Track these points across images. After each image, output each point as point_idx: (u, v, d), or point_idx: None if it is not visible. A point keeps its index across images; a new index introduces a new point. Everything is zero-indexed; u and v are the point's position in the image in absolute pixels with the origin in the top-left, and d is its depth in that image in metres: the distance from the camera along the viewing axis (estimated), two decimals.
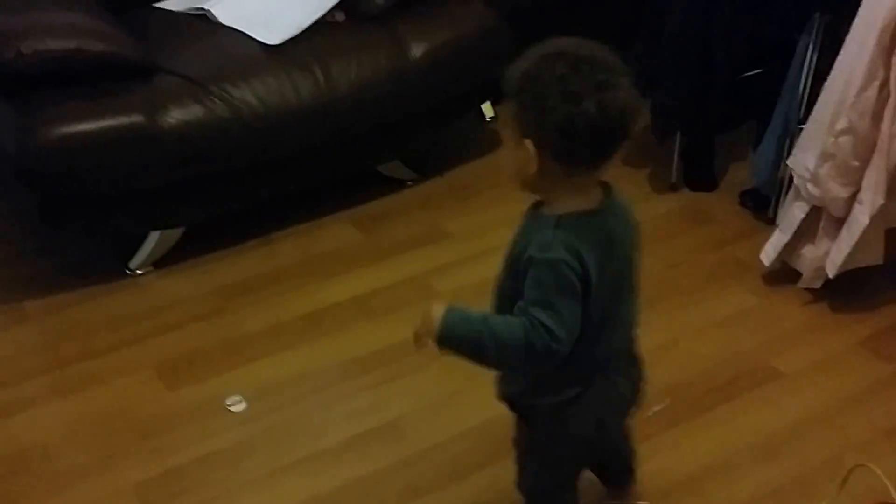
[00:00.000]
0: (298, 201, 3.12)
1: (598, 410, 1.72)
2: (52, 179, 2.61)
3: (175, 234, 2.89)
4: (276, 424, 2.34)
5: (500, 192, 3.13)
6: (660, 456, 2.21)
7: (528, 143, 1.50)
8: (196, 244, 2.93)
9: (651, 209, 3.13)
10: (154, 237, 2.85)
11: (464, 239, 2.97)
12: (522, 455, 1.89)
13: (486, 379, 2.28)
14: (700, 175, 3.25)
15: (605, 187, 1.61)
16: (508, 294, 1.61)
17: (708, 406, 2.36)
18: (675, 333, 2.60)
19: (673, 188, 3.24)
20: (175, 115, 2.67)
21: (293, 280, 2.84)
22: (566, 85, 1.44)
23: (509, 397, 1.79)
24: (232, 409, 2.39)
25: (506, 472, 2.03)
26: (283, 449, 2.26)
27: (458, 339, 1.56)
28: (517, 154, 1.53)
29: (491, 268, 2.76)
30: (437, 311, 1.56)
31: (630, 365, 1.79)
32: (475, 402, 2.24)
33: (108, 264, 2.89)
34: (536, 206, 1.64)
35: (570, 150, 1.48)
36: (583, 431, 1.74)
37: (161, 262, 2.90)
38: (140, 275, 2.87)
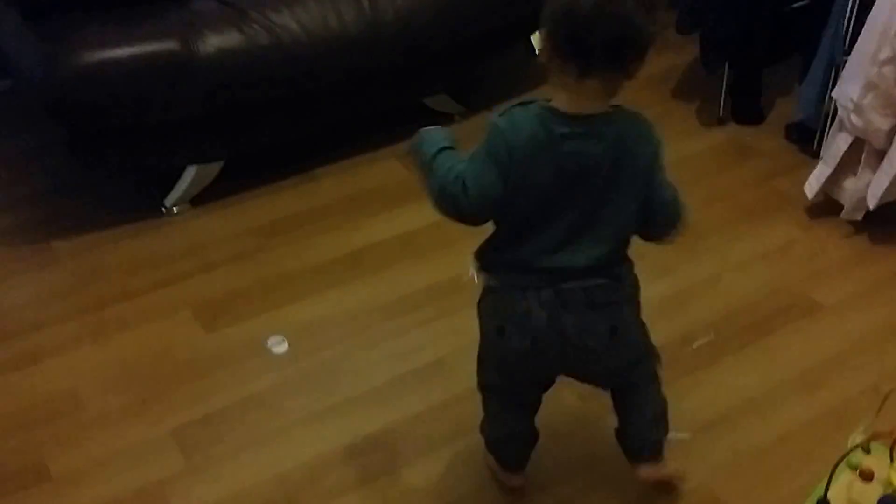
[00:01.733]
0: (341, 136, 3.07)
1: (498, 313, 1.73)
2: (81, 111, 2.53)
3: (212, 169, 2.84)
4: (319, 365, 2.32)
5: None
6: (701, 389, 2.22)
7: (543, 31, 1.54)
8: (234, 180, 2.89)
9: (698, 143, 3.13)
10: (190, 173, 2.80)
11: None
12: None
13: None
14: (747, 109, 3.23)
15: (615, 108, 1.61)
16: None
17: (750, 339, 2.37)
18: (719, 267, 2.60)
19: (720, 122, 3.23)
20: (212, 42, 2.60)
21: (335, 218, 2.81)
22: None
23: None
24: (273, 349, 2.37)
25: (554, 411, 2.04)
26: (326, 390, 2.24)
27: (418, 152, 1.71)
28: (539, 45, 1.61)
29: None
30: (429, 128, 1.72)
31: (562, 304, 1.67)
32: None
33: (142, 202, 2.86)
34: None
35: (555, 41, 1.52)
36: (486, 327, 1.77)
37: (197, 200, 2.86)
38: (175, 213, 2.84)
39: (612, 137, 1.59)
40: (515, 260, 1.68)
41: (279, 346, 2.38)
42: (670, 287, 2.51)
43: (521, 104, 1.62)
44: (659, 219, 1.72)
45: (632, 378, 1.84)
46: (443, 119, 3.19)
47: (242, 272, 2.61)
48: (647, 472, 1.90)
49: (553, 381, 1.89)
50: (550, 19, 1.52)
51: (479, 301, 1.79)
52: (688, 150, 3.07)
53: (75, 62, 2.46)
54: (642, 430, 1.89)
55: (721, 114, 3.22)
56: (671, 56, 3.53)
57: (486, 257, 1.74)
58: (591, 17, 1.46)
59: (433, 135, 1.72)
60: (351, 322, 2.43)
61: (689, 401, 2.16)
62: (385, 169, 3.00)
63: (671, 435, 2.00)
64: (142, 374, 2.31)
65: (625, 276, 1.74)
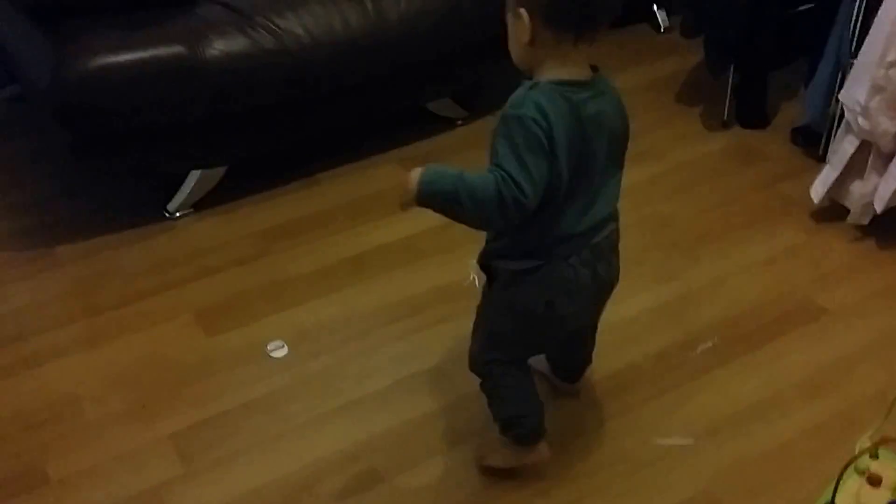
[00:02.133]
0: (344, 140, 3.07)
1: (549, 289, 1.75)
2: (87, 115, 2.52)
3: (216, 174, 2.83)
4: (319, 370, 2.30)
5: None
6: (706, 394, 2.21)
7: (523, 10, 1.57)
8: (237, 185, 2.89)
9: (702, 147, 3.12)
10: (194, 177, 2.80)
11: None
12: (474, 326, 1.92)
13: None
14: (752, 112, 3.22)
15: (595, 71, 1.67)
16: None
17: (754, 344, 2.35)
18: (724, 271, 2.59)
19: (725, 125, 3.22)
20: (218, 46, 2.59)
21: (337, 222, 2.80)
22: None
23: (483, 258, 1.83)
24: (273, 354, 2.36)
25: (555, 416, 2.06)
26: (326, 395, 2.23)
27: (435, 193, 1.62)
28: (513, 28, 1.63)
29: None
30: (416, 171, 1.63)
31: (596, 257, 1.77)
32: None
33: (145, 207, 2.85)
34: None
35: (558, 10, 1.56)
36: (531, 306, 1.77)
37: (201, 204, 2.86)
38: (178, 217, 2.83)
39: (608, 94, 1.68)
40: (557, 234, 1.70)
41: (279, 350, 2.37)
42: (674, 291, 2.50)
43: (531, 87, 1.61)
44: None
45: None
46: (445, 123, 3.20)
47: (244, 277, 2.61)
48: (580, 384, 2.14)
49: None
50: None
51: (507, 287, 1.79)
52: (693, 153, 3.07)
53: (83, 67, 2.46)
54: (589, 354, 2.09)
55: (726, 117, 3.21)
56: (676, 59, 3.53)
57: (524, 244, 1.72)
58: None
59: (434, 170, 1.64)
60: (351, 326, 2.42)
61: (692, 406, 2.17)
62: (387, 173, 2.99)
63: (674, 440, 2.03)
64: (142, 379, 2.30)
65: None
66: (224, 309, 2.50)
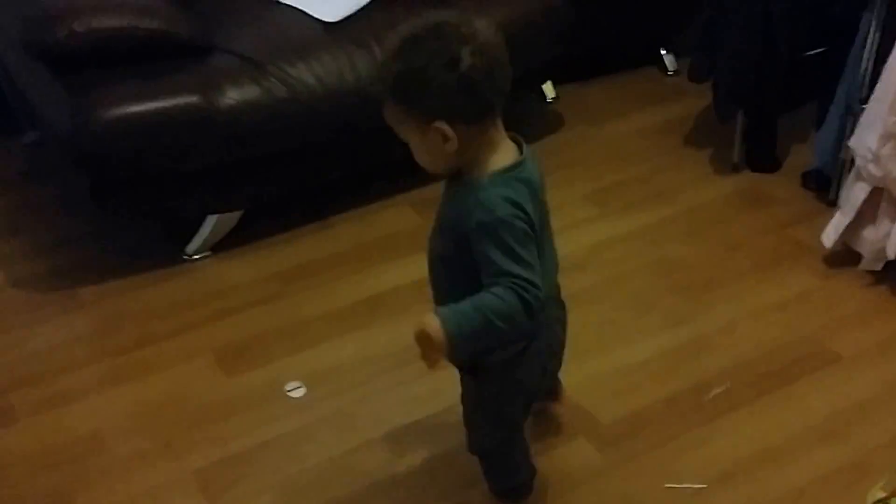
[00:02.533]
0: (356, 184, 3.09)
1: (542, 358, 1.83)
2: (106, 162, 2.58)
3: (232, 217, 2.87)
4: (335, 410, 2.33)
5: (560, 173, 3.09)
6: (718, 440, 2.21)
7: (440, 123, 1.55)
8: (253, 228, 2.92)
9: (712, 190, 3.11)
10: (211, 221, 2.84)
11: None
12: (473, 413, 1.91)
13: None
14: (762, 156, 3.21)
15: (515, 140, 1.68)
16: (458, 266, 1.66)
17: (767, 389, 2.34)
18: (735, 316, 2.58)
19: (735, 169, 3.20)
20: (231, 96, 2.64)
21: (351, 264, 2.82)
22: (439, 58, 1.51)
23: (462, 360, 1.81)
24: (291, 394, 2.38)
25: (565, 459, 2.11)
26: (343, 436, 2.25)
27: (468, 337, 1.55)
28: (429, 144, 1.59)
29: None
30: (431, 323, 1.54)
31: (558, 309, 1.90)
32: None
33: (165, 249, 2.88)
34: (454, 179, 1.68)
35: (479, 104, 1.56)
36: (530, 379, 1.82)
37: (218, 247, 2.89)
38: (197, 260, 2.87)
39: (532, 158, 1.69)
40: (545, 298, 1.70)
41: (297, 391, 2.39)
42: (685, 336, 2.50)
43: (486, 189, 1.59)
44: None
45: None
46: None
47: (261, 318, 2.63)
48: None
49: None
50: (458, 97, 1.54)
51: (505, 374, 1.79)
52: (702, 197, 3.07)
53: (101, 116, 2.51)
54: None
55: (736, 160, 3.19)
56: (685, 102, 3.53)
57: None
58: (491, 58, 1.54)
59: (450, 316, 1.56)
60: (368, 367, 2.44)
61: (704, 451, 2.17)
62: (399, 215, 3.02)
63: (686, 484, 2.04)
64: (165, 417, 2.33)
65: None
66: (242, 349, 2.52)
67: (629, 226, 2.94)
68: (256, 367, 2.47)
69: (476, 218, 1.57)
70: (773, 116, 3.20)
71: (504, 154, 1.64)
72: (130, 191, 2.69)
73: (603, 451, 2.17)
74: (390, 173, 3.09)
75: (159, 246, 2.91)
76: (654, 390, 2.34)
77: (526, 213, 1.58)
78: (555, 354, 1.90)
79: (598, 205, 3.04)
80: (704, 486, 2.08)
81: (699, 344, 2.49)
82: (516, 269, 1.55)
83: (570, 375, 2.32)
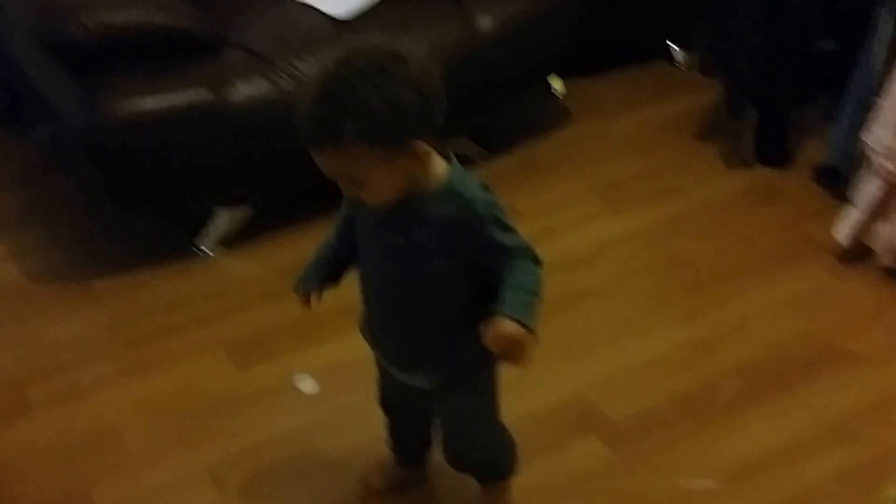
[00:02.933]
0: None
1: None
2: (118, 157, 2.59)
3: (244, 212, 2.88)
4: (347, 405, 2.33)
5: (568, 169, 3.10)
6: (731, 437, 2.21)
7: (418, 143, 1.53)
8: (265, 223, 2.92)
9: (723, 186, 3.09)
10: (222, 216, 2.85)
11: (533, 217, 2.89)
12: (468, 426, 1.88)
13: (553, 362, 2.35)
14: (774, 151, 3.19)
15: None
16: (431, 278, 1.65)
17: (780, 388, 2.33)
18: (747, 313, 2.57)
19: (746, 164, 3.19)
20: (242, 91, 2.65)
21: None
22: (377, 91, 1.47)
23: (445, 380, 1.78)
24: (303, 389, 2.39)
25: (575, 457, 2.11)
26: (355, 430, 2.24)
27: (536, 317, 1.58)
28: (399, 169, 1.55)
29: (560, 246, 2.80)
30: (510, 328, 1.54)
31: None
32: (543, 384, 2.27)
33: (177, 244, 2.88)
34: (400, 204, 1.61)
35: (440, 115, 1.55)
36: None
37: (230, 241, 2.89)
38: (209, 254, 2.87)
39: None
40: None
41: (309, 385, 2.40)
42: (695, 333, 2.50)
43: (460, 184, 1.63)
44: None
45: None
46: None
47: (273, 312, 2.63)
48: None
49: None
50: (427, 112, 1.54)
51: (478, 378, 1.80)
52: (713, 192, 3.05)
53: (114, 111, 2.53)
54: None
55: (747, 156, 3.18)
56: (694, 96, 3.51)
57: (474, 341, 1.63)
58: (428, 71, 1.56)
59: (518, 306, 1.58)
60: None
61: (715, 450, 2.17)
62: None
63: (698, 483, 2.04)
64: (178, 411, 2.34)
65: None
66: (254, 344, 2.53)
67: (639, 222, 2.93)
68: (268, 362, 2.47)
69: (473, 213, 1.59)
70: (784, 110, 3.18)
71: (440, 162, 1.64)
72: (143, 186, 2.70)
73: (615, 449, 2.16)
74: None
75: (173, 240, 2.91)
76: (667, 388, 2.33)
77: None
78: None
79: (607, 200, 3.02)
80: (717, 484, 2.08)
81: (712, 341, 2.48)
82: (521, 241, 1.61)
83: (581, 373, 2.36)
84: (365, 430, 2.23)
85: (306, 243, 2.82)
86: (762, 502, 2.05)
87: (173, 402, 2.37)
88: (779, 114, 3.19)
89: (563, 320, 2.51)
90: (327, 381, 2.40)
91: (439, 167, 1.62)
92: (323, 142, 1.52)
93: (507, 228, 1.61)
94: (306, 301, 1.85)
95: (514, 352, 1.56)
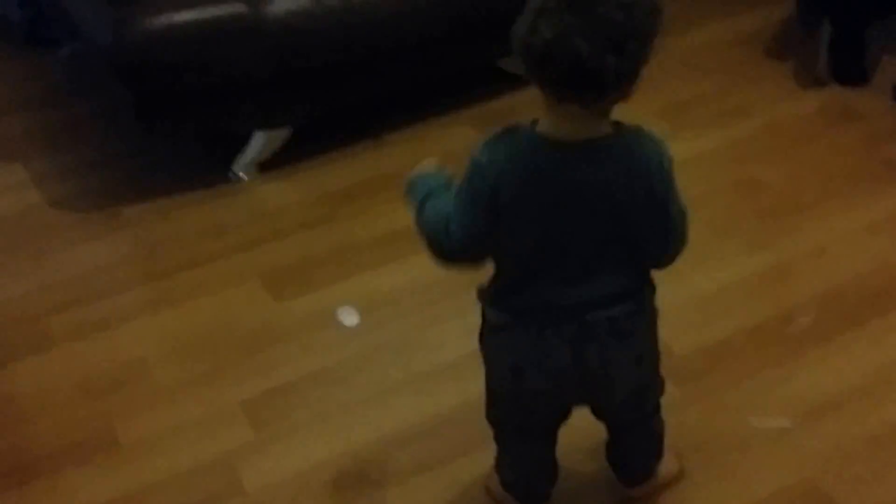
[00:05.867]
0: (412, 100, 2.99)
1: (515, 353, 1.60)
2: (148, 74, 2.52)
3: (281, 135, 2.80)
4: (388, 339, 2.25)
5: None
6: (806, 373, 2.12)
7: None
8: (303, 146, 2.84)
9: (796, 106, 2.99)
10: (259, 138, 2.77)
11: None
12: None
13: None
14: (850, 68, 3.07)
15: (616, 128, 1.46)
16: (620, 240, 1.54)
17: (857, 320, 2.24)
18: (823, 241, 2.48)
19: (819, 83, 3.08)
20: (280, 4, 2.57)
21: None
22: (540, 17, 1.35)
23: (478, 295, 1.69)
24: (344, 321, 2.33)
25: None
26: (396, 366, 2.18)
27: (411, 194, 1.63)
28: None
29: None
30: (425, 163, 1.68)
31: (586, 337, 1.55)
32: None
33: (210, 168, 2.82)
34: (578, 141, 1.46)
35: (537, 75, 1.38)
36: (498, 371, 1.66)
37: (266, 166, 2.82)
38: (244, 179, 2.80)
39: (614, 161, 1.45)
40: (532, 297, 1.54)
41: (350, 317, 2.33)
42: (769, 262, 2.41)
43: (507, 131, 1.48)
44: (671, 243, 1.56)
45: (639, 410, 1.74)
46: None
47: (312, 240, 2.56)
48: (639, 491, 1.86)
49: (571, 410, 1.75)
50: (516, 47, 1.39)
51: (485, 338, 1.65)
52: (784, 113, 2.95)
53: (144, 25, 2.46)
54: (640, 460, 1.84)
55: (821, 74, 3.08)
56: (765, 12, 3.39)
57: (495, 296, 1.59)
58: (544, 55, 1.34)
59: (424, 178, 1.63)
60: (423, 294, 2.35)
61: (789, 386, 2.08)
62: (456, 134, 2.90)
63: (771, 422, 1.95)
64: (210, 344, 2.28)
65: (647, 302, 1.61)
66: (292, 273, 2.46)
67: (705, 144, 2.83)
68: (306, 293, 2.40)
69: (658, 162, 1.46)
70: (861, 25, 3.08)
71: (561, 130, 1.46)
72: (174, 106, 2.64)
73: (679, 384, 2.05)
74: (449, 88, 3.00)
75: (204, 164, 2.85)
76: (735, 321, 2.24)
77: (492, 182, 1.48)
78: (541, 371, 1.58)
79: (671, 121, 2.90)
80: (790, 423, 2.00)
81: (783, 270, 2.39)
82: (450, 209, 1.53)
83: None
84: (405, 367, 2.18)
85: (347, 168, 2.85)
86: (842, 442, 1.95)
87: (205, 334, 2.31)
88: (856, 28, 3.09)
89: None
90: (367, 314, 2.34)
91: (545, 123, 1.46)
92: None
93: (462, 183, 1.51)
94: None
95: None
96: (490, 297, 1.60)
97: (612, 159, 1.44)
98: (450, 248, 1.52)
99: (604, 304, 1.53)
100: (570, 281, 1.52)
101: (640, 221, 1.49)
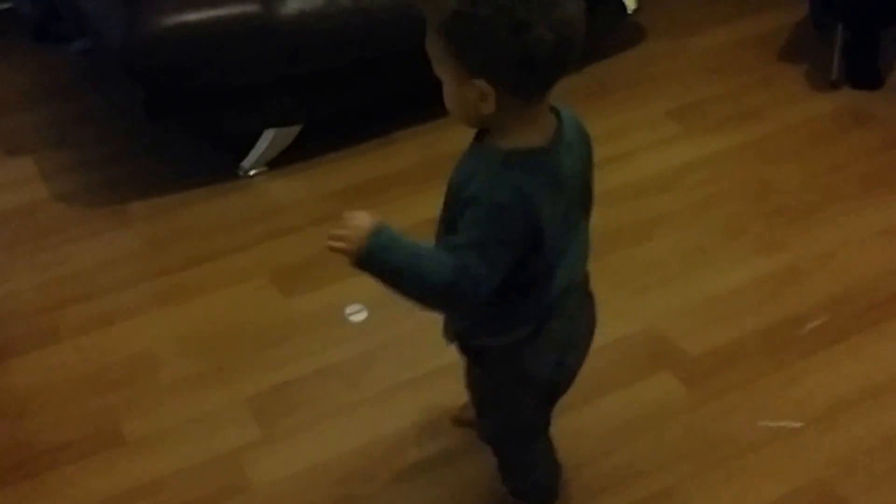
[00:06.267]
0: (421, 98, 2.95)
1: (556, 349, 1.60)
2: (159, 73, 2.52)
3: (291, 132, 2.79)
4: (398, 336, 2.24)
5: (639, 91, 2.99)
6: (817, 374, 2.11)
7: (482, 82, 1.36)
8: (313, 144, 2.83)
9: (808, 108, 2.99)
10: (268, 136, 2.76)
11: (604, 141, 2.71)
12: (479, 402, 1.74)
13: (625, 293, 2.30)
14: (863, 71, 3.07)
15: (554, 111, 1.46)
16: (449, 226, 1.48)
17: (868, 323, 2.23)
18: (834, 243, 2.47)
19: (833, 86, 3.07)
20: (292, 4, 2.56)
21: (415, 183, 2.72)
22: (507, 16, 1.29)
23: (459, 337, 1.65)
24: (352, 318, 2.31)
25: (651, 393, 2.03)
26: (404, 363, 2.17)
27: (379, 264, 1.44)
28: (462, 95, 1.42)
29: (632, 171, 2.69)
30: (366, 224, 1.45)
31: (584, 298, 1.64)
32: (613, 316, 2.08)
33: (219, 165, 2.82)
34: (480, 135, 1.50)
35: (532, 81, 1.36)
36: (540, 373, 1.62)
37: (275, 163, 2.81)
38: (253, 176, 2.80)
39: (574, 128, 1.48)
40: (554, 295, 1.53)
41: (358, 314, 2.32)
42: (781, 263, 2.40)
43: (501, 164, 1.41)
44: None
45: None
46: None
47: (321, 237, 2.44)
48: None
49: None
50: (512, 66, 1.33)
51: (505, 363, 1.61)
52: (798, 116, 2.94)
53: (155, 24, 2.46)
54: None
55: (834, 77, 3.06)
56: (779, 14, 3.39)
57: (515, 316, 1.55)
58: (565, 38, 1.31)
59: (381, 239, 1.45)
60: None
61: (800, 387, 2.08)
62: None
63: (783, 423, 1.95)
64: (217, 340, 2.28)
65: None
66: (301, 270, 2.46)
67: (717, 145, 2.83)
68: (315, 290, 2.40)
69: (472, 189, 1.42)
70: (876, 28, 3.07)
71: (537, 132, 1.43)
72: (185, 104, 2.65)
73: (690, 385, 2.07)
74: None
75: (214, 160, 2.85)
76: (746, 322, 2.23)
77: (534, 212, 1.39)
78: (574, 346, 1.65)
79: (683, 123, 2.92)
80: (801, 424, 1.99)
81: (795, 272, 2.38)
82: (472, 258, 1.37)
83: (654, 305, 2.29)
84: (413, 365, 2.16)
85: (357, 166, 2.84)
86: (853, 444, 1.95)
87: (212, 330, 2.31)
88: (869, 32, 3.07)
89: (635, 249, 2.45)
90: (375, 312, 2.33)
91: (528, 140, 1.43)
92: (426, 17, 1.47)
93: (480, 231, 1.39)
94: None
95: (342, 231, 1.48)
96: (510, 321, 1.56)
97: (570, 133, 1.46)
98: (476, 294, 1.40)
99: (583, 266, 1.61)
100: (571, 261, 1.54)
101: (589, 177, 1.55)
